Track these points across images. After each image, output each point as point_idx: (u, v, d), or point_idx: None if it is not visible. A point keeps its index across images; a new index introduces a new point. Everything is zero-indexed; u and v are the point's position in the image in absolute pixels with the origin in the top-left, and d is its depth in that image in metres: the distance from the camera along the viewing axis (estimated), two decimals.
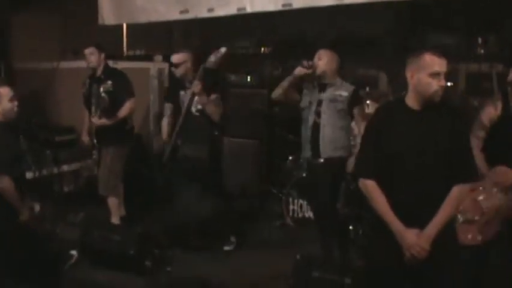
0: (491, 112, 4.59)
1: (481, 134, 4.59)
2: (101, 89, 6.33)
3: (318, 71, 5.41)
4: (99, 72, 6.56)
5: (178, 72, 6.13)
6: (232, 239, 6.31)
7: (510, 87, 4.54)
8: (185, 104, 6.03)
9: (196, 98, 5.89)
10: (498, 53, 7.91)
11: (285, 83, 5.53)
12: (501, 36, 8.20)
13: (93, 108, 6.52)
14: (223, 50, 5.83)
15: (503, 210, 4.48)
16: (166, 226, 6.36)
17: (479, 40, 8.32)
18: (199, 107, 5.99)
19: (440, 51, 3.51)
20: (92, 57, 6.50)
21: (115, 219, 6.56)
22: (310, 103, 5.49)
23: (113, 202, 6.57)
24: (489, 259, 4.72)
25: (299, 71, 5.42)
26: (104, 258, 5.66)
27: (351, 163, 5.30)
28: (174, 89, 6.35)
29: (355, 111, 5.41)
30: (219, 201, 6.17)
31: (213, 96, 5.94)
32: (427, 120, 3.53)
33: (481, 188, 4.48)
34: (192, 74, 6.06)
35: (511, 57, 4.79)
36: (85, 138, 6.78)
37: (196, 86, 5.81)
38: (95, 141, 6.56)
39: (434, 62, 3.47)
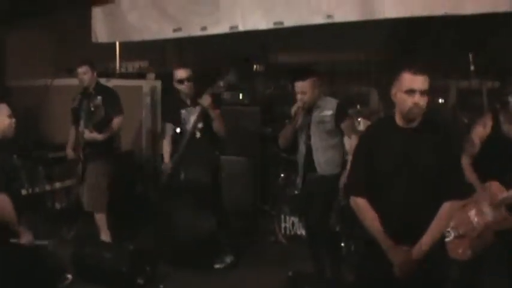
0: (481, 130, 4.67)
1: (472, 151, 4.65)
2: (91, 104, 6.27)
3: (306, 104, 5.42)
4: (90, 88, 6.58)
5: (186, 88, 6.15)
6: (227, 259, 6.31)
7: (500, 106, 4.62)
8: (188, 123, 6.08)
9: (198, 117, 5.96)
10: (488, 69, 7.99)
11: (287, 133, 5.60)
12: (491, 53, 8.28)
13: (81, 123, 6.52)
14: (232, 76, 5.91)
15: (493, 225, 4.54)
16: (159, 244, 6.36)
17: (470, 57, 8.40)
18: (201, 125, 6.03)
19: (419, 68, 3.54)
20: (85, 76, 6.53)
21: (104, 236, 6.55)
22: (302, 127, 5.53)
23: (100, 218, 6.56)
24: (480, 273, 4.77)
25: (299, 115, 5.45)
26: (96, 275, 5.64)
27: (343, 178, 5.35)
28: (174, 108, 6.34)
29: (343, 126, 5.42)
30: (217, 220, 6.19)
31: (217, 111, 6.01)
32: (416, 138, 3.58)
33: (472, 203, 4.53)
34: (194, 91, 6.11)
35: (501, 73, 4.85)
36: (69, 152, 6.74)
37: (207, 99, 5.88)
38: (82, 156, 6.53)
39: (409, 80, 3.52)
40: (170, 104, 6.59)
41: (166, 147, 6.39)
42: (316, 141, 5.45)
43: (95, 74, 6.62)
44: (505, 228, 4.53)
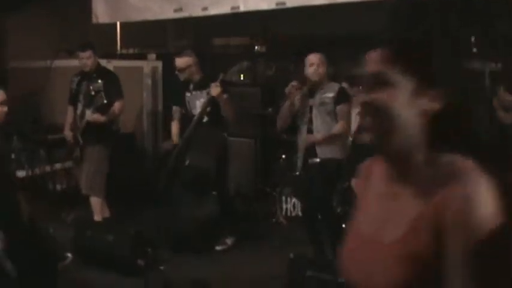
0: None
1: None
2: (91, 88, 6.26)
3: (312, 80, 5.41)
4: (89, 70, 6.53)
5: (183, 76, 6.14)
6: (228, 241, 6.31)
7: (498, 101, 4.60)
8: (193, 107, 6.06)
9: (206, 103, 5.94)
10: (491, 51, 7.95)
11: (284, 115, 5.59)
12: (494, 36, 8.23)
13: (79, 106, 6.50)
14: (245, 64, 5.88)
15: None
16: (160, 226, 6.35)
17: (473, 39, 8.35)
18: (209, 108, 5.99)
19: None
20: (89, 61, 6.48)
21: (97, 217, 6.56)
22: (303, 110, 5.51)
23: (96, 201, 6.56)
24: None
25: (291, 96, 5.43)
26: (97, 258, 5.65)
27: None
28: (179, 91, 6.32)
29: (338, 109, 5.43)
30: (220, 203, 6.18)
31: (225, 96, 5.95)
32: None
33: None
34: (196, 75, 6.06)
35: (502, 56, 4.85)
36: (68, 133, 6.69)
37: (216, 89, 5.82)
38: (80, 139, 6.51)
39: None
40: (175, 87, 6.58)
41: (175, 129, 6.40)
42: (317, 124, 5.44)
43: (95, 55, 6.57)
44: None
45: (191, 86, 6.16)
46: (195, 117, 6.03)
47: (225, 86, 5.99)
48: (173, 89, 6.80)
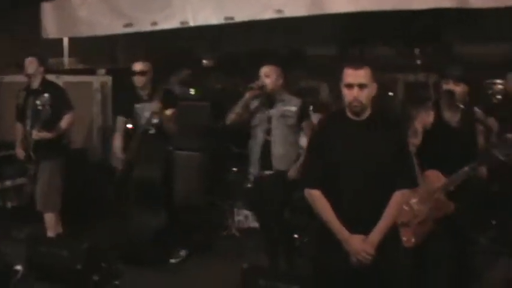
0: (424, 119, 4.84)
1: (415, 141, 4.81)
2: (38, 102, 6.17)
3: (268, 89, 5.48)
4: (35, 84, 6.49)
5: (141, 81, 6.16)
6: (182, 252, 6.36)
7: (444, 98, 4.78)
8: (142, 118, 6.08)
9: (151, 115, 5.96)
10: (435, 63, 8.19)
11: (237, 109, 5.55)
12: (437, 47, 8.49)
13: (28, 122, 6.42)
14: (185, 71, 5.92)
15: (433, 212, 4.70)
16: (113, 240, 6.35)
17: (417, 51, 8.60)
18: (155, 121, 6.02)
19: (358, 63, 3.68)
20: (30, 66, 6.43)
21: (51, 234, 6.50)
22: (260, 121, 5.56)
23: (50, 217, 6.51)
24: (425, 259, 4.95)
25: (250, 93, 5.48)
26: (51, 273, 5.60)
27: (292, 168, 5.43)
28: (127, 102, 6.34)
29: (304, 125, 5.52)
30: (168, 215, 6.21)
31: (169, 111, 6.00)
32: (368, 130, 3.69)
33: (413, 191, 4.68)
34: (150, 86, 6.14)
35: (445, 67, 5.02)
36: (19, 152, 6.58)
37: (157, 107, 5.88)
38: (32, 155, 6.40)
39: (348, 74, 3.66)
40: (124, 98, 6.60)
41: (117, 142, 6.35)
42: (276, 135, 5.48)
43: (42, 68, 6.53)
44: (444, 214, 4.70)
45: (142, 97, 6.20)
46: (140, 130, 6.08)
47: (169, 97, 6.04)
48: (121, 99, 6.83)
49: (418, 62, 8.63)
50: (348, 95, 3.66)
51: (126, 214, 6.28)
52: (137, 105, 6.22)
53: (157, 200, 6.17)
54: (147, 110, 6.06)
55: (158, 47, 8.90)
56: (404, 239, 4.70)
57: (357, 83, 3.62)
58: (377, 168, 3.63)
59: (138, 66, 6.17)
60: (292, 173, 5.42)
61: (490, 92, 7.85)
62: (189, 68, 6.02)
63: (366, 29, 8.44)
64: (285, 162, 5.49)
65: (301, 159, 5.26)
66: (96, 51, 9.24)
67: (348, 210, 3.63)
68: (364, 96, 3.63)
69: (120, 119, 6.42)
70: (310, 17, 6.70)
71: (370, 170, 3.62)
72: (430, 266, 5.05)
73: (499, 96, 7.37)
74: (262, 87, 5.46)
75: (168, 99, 6.02)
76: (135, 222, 6.17)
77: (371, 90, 3.67)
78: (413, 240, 4.74)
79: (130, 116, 6.28)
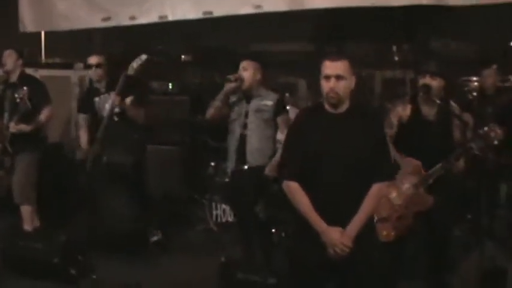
0: (399, 112, 4.90)
1: (390, 132, 4.86)
2: (16, 95, 6.14)
3: (246, 83, 5.49)
4: (14, 78, 6.47)
5: (97, 74, 6.20)
6: (158, 234, 6.41)
7: (421, 92, 4.83)
8: (103, 110, 6.10)
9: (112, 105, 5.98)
10: (411, 59, 8.27)
11: (217, 103, 5.55)
12: (414, 44, 8.57)
13: (5, 115, 6.41)
14: (143, 57, 5.92)
15: (412, 206, 4.75)
16: (89, 232, 6.35)
17: (394, 48, 8.68)
18: (118, 110, 6.04)
19: (334, 54, 3.72)
20: (9, 59, 6.42)
21: (28, 227, 6.49)
22: (238, 115, 5.58)
23: (26, 210, 6.49)
24: (404, 254, 5.01)
25: (228, 87, 5.48)
26: (28, 267, 5.60)
27: (269, 165, 5.46)
28: (87, 98, 6.40)
29: (279, 119, 5.54)
30: (141, 204, 6.23)
31: (128, 100, 6.01)
32: (344, 122, 3.71)
33: (392, 186, 4.73)
34: (108, 78, 6.15)
35: (422, 63, 5.10)
36: None
37: (115, 99, 5.92)
38: (9, 148, 6.40)
39: (326, 66, 3.68)
40: (84, 95, 6.70)
41: (83, 136, 6.39)
42: (252, 129, 5.50)
43: (20, 61, 6.51)
44: (423, 208, 4.76)
45: (99, 90, 6.22)
46: (105, 118, 6.08)
47: (129, 86, 5.99)
48: (81, 96, 6.90)
49: (396, 58, 8.70)
50: (325, 86, 3.68)
51: (98, 204, 6.29)
52: (96, 99, 6.25)
53: (128, 188, 6.18)
54: (107, 101, 6.09)
55: (136, 42, 8.88)
56: (383, 233, 4.75)
57: (334, 74, 3.64)
58: (355, 161, 3.65)
59: (93, 60, 6.21)
60: (269, 171, 5.44)
61: (466, 88, 7.95)
62: (148, 54, 5.99)
63: (344, 26, 8.50)
64: (260, 157, 5.51)
65: (278, 155, 5.29)
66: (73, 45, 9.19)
67: (325, 202, 3.64)
68: (341, 87, 3.65)
69: (82, 117, 6.46)
70: (288, 13, 6.73)
71: (347, 163, 3.64)
72: (407, 260, 5.13)
73: (474, 93, 7.45)
74: (239, 79, 5.47)
75: (128, 87, 5.98)
76: (107, 212, 6.16)
77: (349, 82, 3.69)
78: (392, 234, 4.79)
79: (92, 111, 6.30)
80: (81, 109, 6.56)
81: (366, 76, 8.83)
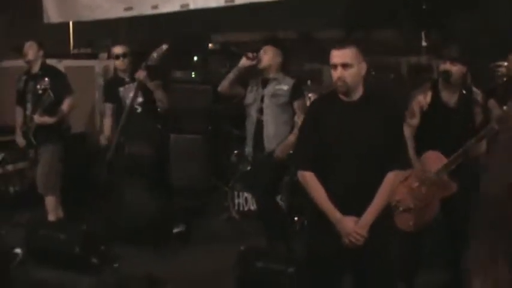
0: (421, 100, 4.80)
1: (413, 122, 4.77)
2: (38, 86, 6.25)
3: (262, 64, 5.50)
4: (35, 69, 6.50)
5: (122, 64, 6.21)
6: (181, 226, 6.39)
7: (441, 78, 4.73)
8: (128, 99, 6.10)
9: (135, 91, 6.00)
10: (439, 45, 8.13)
11: (231, 75, 5.61)
12: (443, 30, 8.43)
13: (28, 106, 6.46)
14: (164, 47, 5.92)
15: (438, 193, 4.66)
16: (111, 223, 6.37)
17: (422, 34, 8.54)
18: (141, 99, 6.07)
19: (341, 43, 3.65)
20: (30, 51, 6.44)
21: (52, 217, 6.53)
22: (254, 100, 5.57)
23: (50, 201, 6.53)
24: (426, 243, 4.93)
25: (244, 62, 5.51)
26: (50, 256, 5.64)
27: (279, 147, 5.44)
28: (112, 88, 6.41)
29: (296, 104, 5.50)
30: (164, 195, 6.22)
31: (157, 82, 6.04)
32: (360, 110, 3.65)
33: (413, 175, 4.64)
34: (132, 68, 6.16)
35: (444, 49, 4.99)
36: (19, 140, 6.63)
37: (141, 73, 5.93)
38: (33, 140, 6.45)
39: (332, 55, 3.65)
40: (109, 84, 6.70)
41: (107, 124, 6.44)
42: (267, 115, 5.50)
43: (41, 52, 6.52)
44: (448, 194, 4.66)
45: (124, 80, 6.23)
46: (127, 107, 6.12)
47: (152, 72, 6.04)
48: (105, 86, 6.91)
49: (424, 44, 8.57)
50: (333, 75, 3.65)
51: (120, 194, 6.30)
52: (121, 89, 6.26)
53: (150, 179, 6.18)
54: (131, 91, 6.10)
55: (159, 32, 8.87)
56: (410, 223, 4.69)
57: (340, 63, 3.60)
58: (369, 149, 3.59)
59: (117, 50, 6.24)
60: (279, 152, 5.42)
61: (497, 74, 7.79)
62: (167, 43, 5.99)
63: (370, 12, 8.40)
64: (276, 142, 5.48)
65: (290, 137, 5.32)
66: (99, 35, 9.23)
67: (340, 191, 3.60)
68: (349, 75, 3.60)
69: (108, 106, 6.48)
70: (315, 0, 6.67)
71: (361, 151, 3.59)
72: (429, 249, 5.06)
73: (504, 78, 7.31)
74: (256, 58, 5.48)
75: (153, 73, 6.04)
76: (130, 202, 6.18)
77: (358, 69, 3.63)
78: (419, 224, 4.72)
79: (117, 100, 6.32)
80: (106, 98, 6.58)
81: (393, 63, 8.73)
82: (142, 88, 6.08)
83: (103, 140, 6.34)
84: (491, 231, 3.84)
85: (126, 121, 6.12)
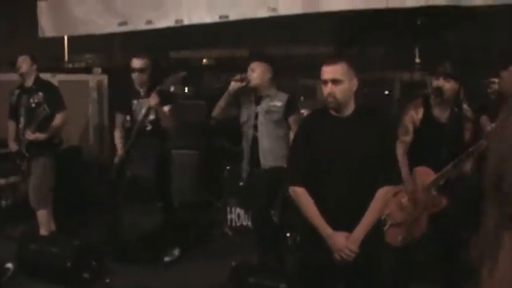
0: (413, 116, 4.81)
1: (406, 139, 4.78)
2: (31, 100, 6.23)
3: (252, 83, 5.47)
4: (29, 83, 6.48)
5: (140, 78, 6.09)
6: (175, 251, 6.32)
7: (433, 94, 4.76)
8: (139, 115, 6.04)
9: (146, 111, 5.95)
10: (433, 62, 8.15)
11: (222, 103, 5.57)
12: (436, 46, 8.46)
13: (21, 120, 6.45)
14: (182, 74, 5.91)
15: (426, 208, 4.67)
16: (106, 238, 6.35)
17: (416, 50, 8.58)
18: (152, 117, 6.01)
19: (331, 59, 3.66)
20: (24, 64, 6.42)
21: (44, 232, 6.49)
22: (248, 117, 5.56)
23: (42, 215, 6.49)
24: (416, 258, 4.93)
25: (233, 86, 5.47)
26: (42, 270, 5.61)
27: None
28: (126, 99, 6.25)
29: (291, 120, 5.47)
30: (164, 213, 6.21)
31: (166, 108, 5.99)
32: (351, 126, 3.66)
33: (403, 190, 4.66)
34: (147, 82, 6.10)
35: (437, 65, 5.01)
36: (12, 145, 6.58)
37: (154, 99, 5.84)
38: (26, 153, 6.42)
39: (323, 71, 3.65)
40: (121, 94, 6.56)
41: (118, 138, 6.31)
42: (262, 131, 5.47)
43: (34, 66, 6.50)
44: (437, 209, 4.67)
45: (140, 93, 6.16)
46: (136, 127, 6.06)
47: (164, 96, 5.97)
48: (120, 95, 6.76)
49: (417, 61, 8.62)
50: (324, 91, 3.66)
51: (119, 212, 6.28)
52: (135, 101, 6.17)
53: (150, 198, 6.15)
54: (144, 106, 6.04)
55: (154, 45, 8.90)
56: (399, 238, 4.69)
57: (330, 79, 3.61)
58: (360, 164, 3.60)
59: (137, 63, 6.08)
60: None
61: (489, 90, 7.82)
62: (183, 71, 5.98)
63: (364, 28, 8.43)
64: (272, 158, 5.46)
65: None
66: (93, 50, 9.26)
67: (331, 207, 3.61)
68: (339, 91, 3.61)
69: (119, 116, 6.36)
70: (307, 15, 6.68)
71: (353, 167, 3.59)
72: (420, 264, 5.06)
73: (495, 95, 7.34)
74: (244, 79, 5.45)
75: (165, 98, 5.97)
76: (128, 221, 6.15)
77: (349, 85, 3.64)
78: (408, 239, 4.72)
79: (129, 112, 6.25)
80: (118, 108, 6.46)
81: (386, 79, 8.76)
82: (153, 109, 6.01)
83: (116, 159, 6.27)
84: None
85: (136, 139, 6.07)
